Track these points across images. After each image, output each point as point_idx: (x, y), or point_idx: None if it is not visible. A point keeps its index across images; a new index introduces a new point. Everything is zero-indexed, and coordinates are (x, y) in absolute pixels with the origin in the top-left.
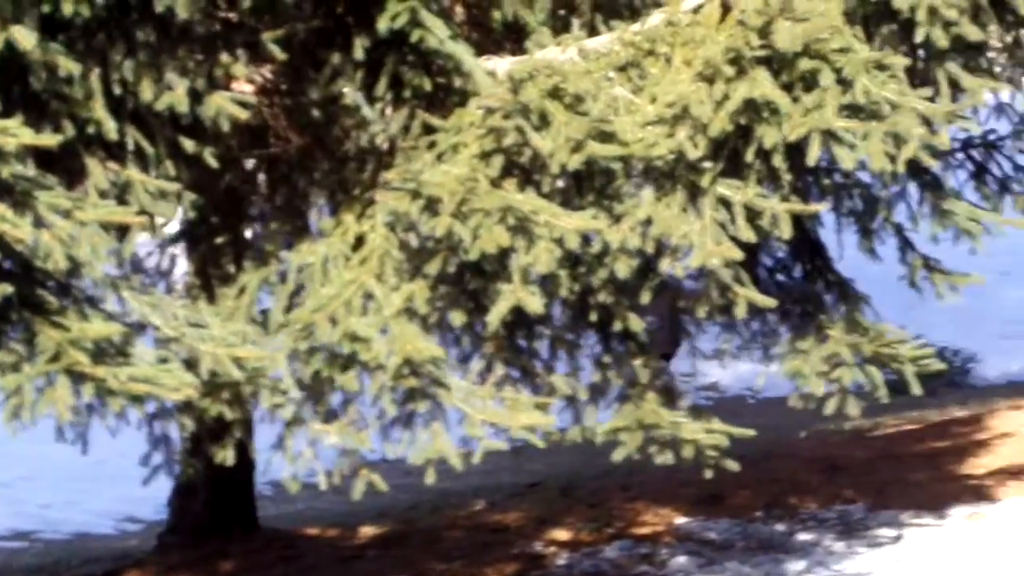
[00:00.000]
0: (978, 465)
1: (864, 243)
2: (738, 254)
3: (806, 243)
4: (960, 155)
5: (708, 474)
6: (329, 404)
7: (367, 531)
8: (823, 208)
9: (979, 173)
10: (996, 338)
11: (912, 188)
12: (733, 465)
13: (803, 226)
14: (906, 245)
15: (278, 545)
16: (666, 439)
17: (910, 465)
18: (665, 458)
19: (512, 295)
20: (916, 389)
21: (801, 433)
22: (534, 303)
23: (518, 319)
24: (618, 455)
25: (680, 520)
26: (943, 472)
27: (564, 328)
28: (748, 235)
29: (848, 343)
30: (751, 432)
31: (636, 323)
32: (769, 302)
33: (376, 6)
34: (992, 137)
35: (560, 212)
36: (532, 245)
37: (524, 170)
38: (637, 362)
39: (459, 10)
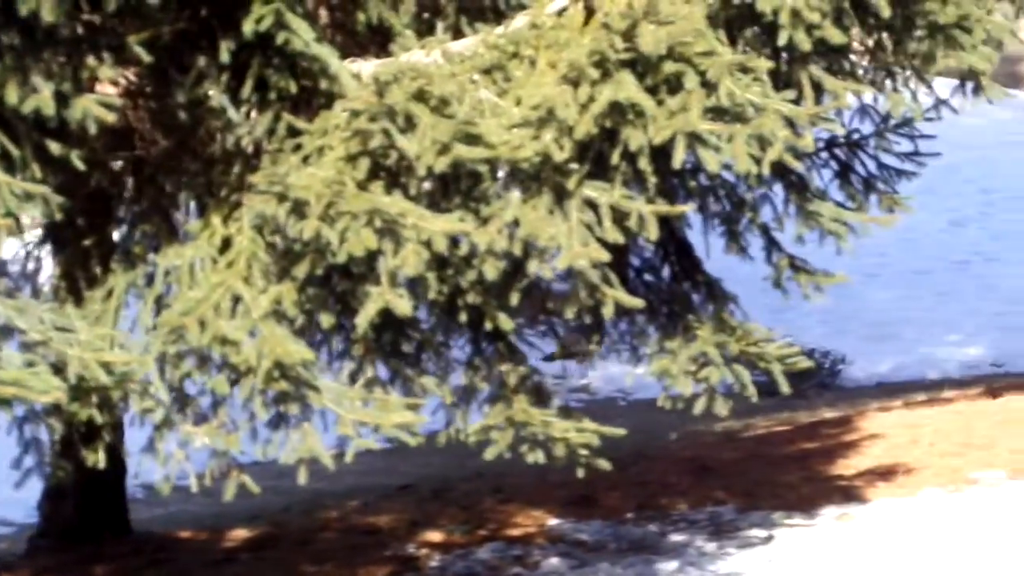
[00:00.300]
0: (848, 466)
1: (731, 244)
2: (605, 255)
3: (674, 244)
4: (825, 155)
5: (580, 474)
6: (199, 407)
7: (239, 534)
8: (689, 209)
9: (844, 172)
10: (865, 339)
11: (778, 189)
12: (605, 464)
13: (671, 227)
14: (772, 246)
15: (150, 548)
16: (537, 437)
17: (780, 466)
18: (536, 457)
19: (380, 297)
20: (784, 388)
21: (672, 434)
22: (402, 305)
23: (388, 321)
24: (489, 454)
25: (552, 522)
26: (813, 473)
27: (434, 329)
28: (615, 236)
29: (715, 342)
30: (621, 432)
31: (506, 323)
32: (637, 302)
33: (241, 9)
34: (856, 136)
35: (427, 215)
36: (400, 248)
37: (391, 173)
38: (506, 364)
39: (323, 13)
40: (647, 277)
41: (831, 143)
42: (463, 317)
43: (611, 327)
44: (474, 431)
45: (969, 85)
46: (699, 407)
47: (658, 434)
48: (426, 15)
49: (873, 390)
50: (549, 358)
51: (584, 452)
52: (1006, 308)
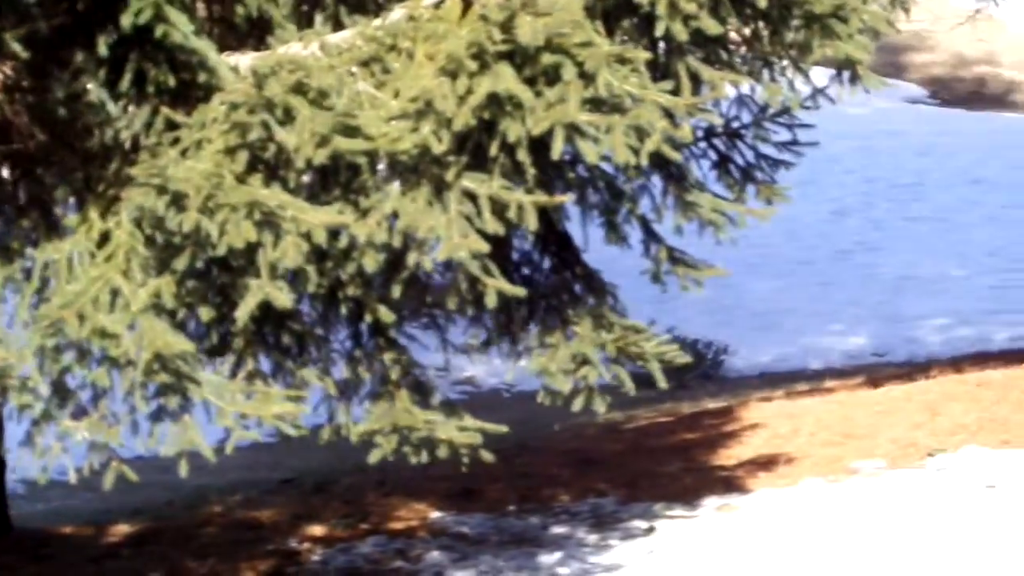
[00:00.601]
0: (729, 456)
1: (610, 235)
2: (484, 246)
3: (553, 235)
4: (704, 145)
5: (463, 467)
6: (79, 400)
7: (121, 529)
8: (568, 200)
9: (723, 163)
10: (748, 329)
11: (657, 180)
12: (488, 456)
13: (549, 219)
14: (650, 237)
15: (30, 544)
16: (421, 440)
17: (662, 457)
18: (420, 458)
19: (260, 290)
20: (662, 383)
21: (555, 426)
22: (282, 298)
23: (268, 313)
24: (373, 458)
25: (434, 515)
26: (695, 464)
27: (315, 322)
28: (495, 227)
29: (594, 341)
30: (504, 428)
31: (387, 316)
32: (518, 291)
33: (119, 3)
34: (735, 126)
35: (307, 207)
36: (279, 240)
37: (269, 165)
38: (388, 357)
39: (201, 6)
40: (525, 271)
41: (710, 133)
42: (344, 310)
43: (492, 320)
44: (358, 434)
45: (846, 74)
46: (578, 404)
47: (541, 426)
48: (305, 7)
49: (756, 380)
50: None
51: (467, 451)
52: (887, 297)
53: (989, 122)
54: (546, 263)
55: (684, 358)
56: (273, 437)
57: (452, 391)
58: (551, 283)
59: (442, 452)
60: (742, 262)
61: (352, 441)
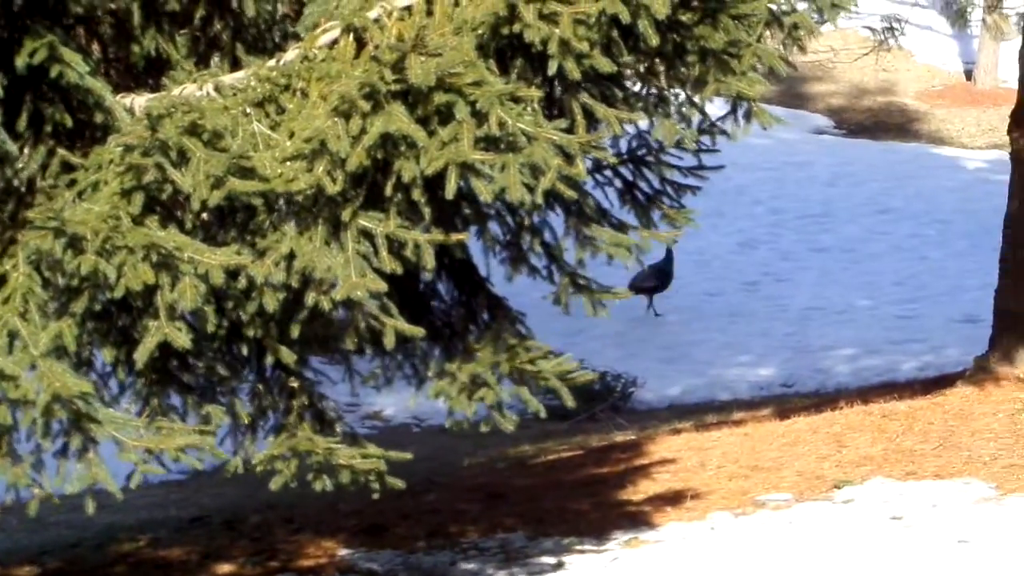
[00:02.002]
0: (637, 491)
1: (515, 267)
2: (383, 285)
3: (457, 266)
4: (609, 172)
5: (374, 497)
6: None
7: (27, 571)
8: (465, 238)
9: (628, 190)
10: (656, 362)
11: (559, 210)
12: (397, 483)
13: (452, 251)
14: (555, 263)
15: None
16: (322, 465)
17: (571, 492)
18: (323, 484)
19: (159, 331)
20: (569, 402)
21: (464, 461)
22: (181, 339)
23: (171, 352)
24: (275, 484)
25: (343, 552)
26: (603, 498)
27: (215, 361)
28: (391, 267)
29: (490, 362)
30: (408, 455)
31: (288, 356)
32: (417, 331)
33: (15, 42)
34: (640, 153)
35: (204, 248)
36: (177, 281)
37: (166, 207)
38: (291, 391)
39: (96, 47)
40: (432, 302)
41: (613, 162)
42: (246, 349)
43: (394, 353)
44: (259, 461)
45: (741, 110)
46: (484, 426)
47: (450, 461)
48: (201, 47)
49: (665, 412)
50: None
51: (372, 478)
52: (795, 328)
53: (893, 152)
54: (450, 294)
55: (587, 376)
56: (182, 474)
57: (361, 426)
58: (456, 313)
59: (344, 478)
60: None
61: (255, 470)
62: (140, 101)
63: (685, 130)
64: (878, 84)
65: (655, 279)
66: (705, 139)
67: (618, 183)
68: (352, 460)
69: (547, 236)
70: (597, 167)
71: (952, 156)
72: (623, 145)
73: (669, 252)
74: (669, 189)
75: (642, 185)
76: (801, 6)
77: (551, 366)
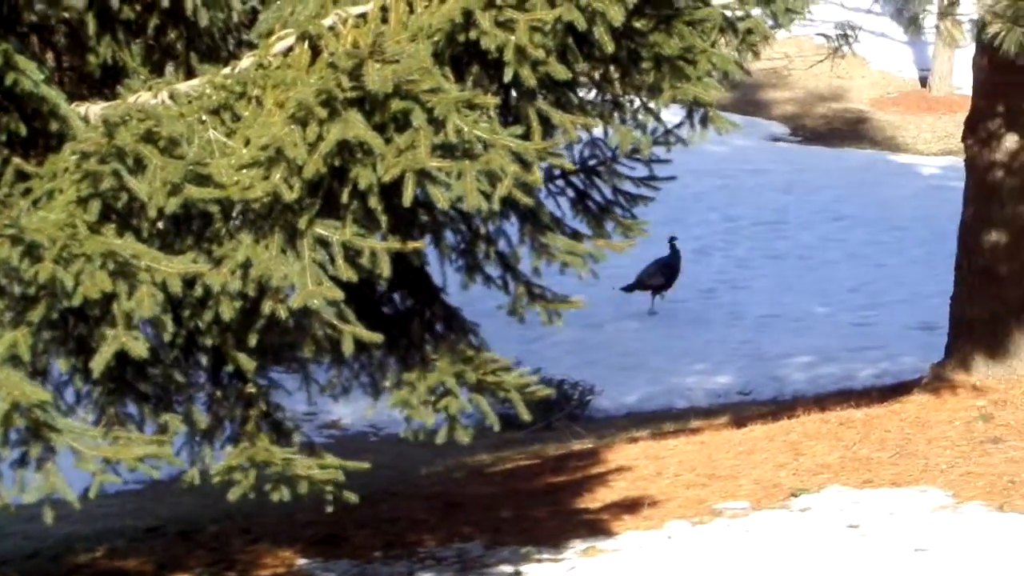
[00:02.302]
0: (594, 499)
1: (470, 276)
2: (339, 294)
3: (411, 275)
4: (561, 182)
5: (329, 510)
6: None
7: None
8: (422, 246)
9: (580, 199)
10: (614, 370)
11: (515, 220)
12: (352, 496)
13: (408, 260)
14: (510, 273)
15: None
16: (280, 476)
17: (528, 501)
18: (281, 495)
19: (116, 340)
20: (525, 416)
21: (422, 470)
22: (138, 347)
23: (128, 360)
24: (233, 495)
25: (300, 561)
26: (561, 507)
27: (171, 370)
28: (348, 275)
29: (454, 372)
30: (366, 465)
31: (247, 363)
32: (375, 337)
33: None
34: (592, 163)
35: (161, 256)
36: (135, 290)
37: (122, 215)
38: (248, 400)
39: (50, 56)
40: (386, 310)
41: (566, 171)
42: (203, 358)
43: (352, 361)
44: (217, 472)
45: (697, 116)
46: (441, 437)
47: (408, 470)
48: (156, 56)
49: (622, 420)
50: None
51: (329, 488)
52: (752, 336)
53: (848, 159)
54: (405, 301)
55: (546, 391)
56: (139, 484)
57: (318, 435)
58: (411, 322)
59: (302, 488)
60: (608, 302)
61: (212, 481)
62: (95, 109)
63: (640, 136)
64: (833, 91)
65: (662, 275)
66: (658, 150)
67: (571, 193)
68: (310, 471)
69: (502, 245)
70: (549, 177)
71: (907, 163)
72: (576, 154)
73: (674, 248)
74: (621, 199)
75: (594, 195)
76: (755, 12)
77: (512, 378)
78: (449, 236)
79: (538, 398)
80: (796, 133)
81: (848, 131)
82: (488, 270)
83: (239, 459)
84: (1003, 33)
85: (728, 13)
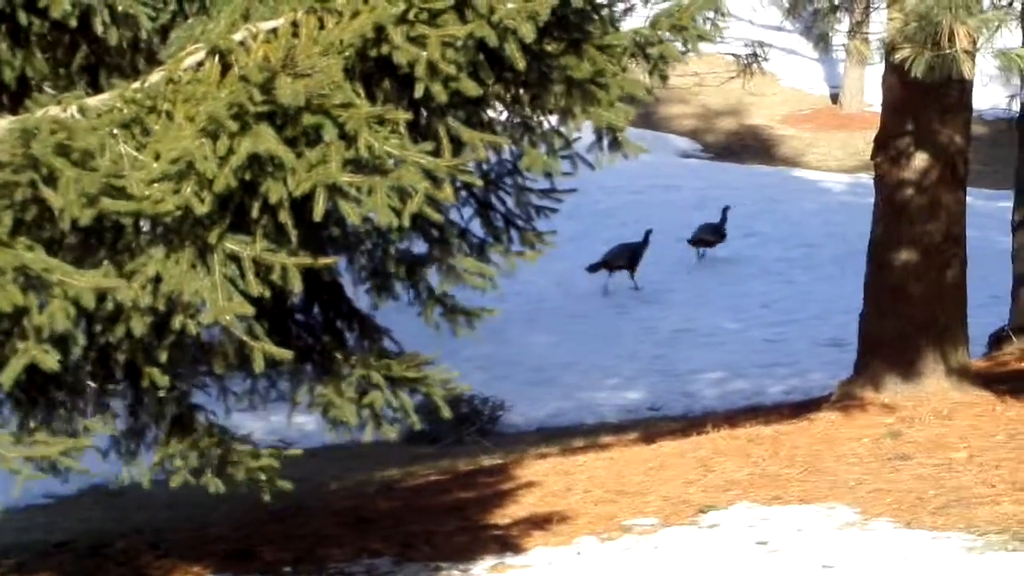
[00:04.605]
0: (503, 515)
1: (379, 295)
2: (250, 309)
3: (323, 284)
4: (463, 193)
5: (266, 498)
6: None
7: None
8: (333, 262)
9: (483, 210)
10: (525, 385)
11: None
12: (287, 485)
13: (319, 273)
14: (418, 284)
15: None
16: (220, 459)
17: (438, 516)
18: (217, 485)
19: (27, 354)
20: (446, 412)
21: (332, 485)
22: (49, 361)
23: (41, 372)
24: (174, 482)
25: None
26: (470, 523)
27: (84, 382)
28: (258, 290)
29: (378, 367)
30: (299, 451)
31: (160, 378)
32: (285, 354)
33: None
34: (493, 175)
35: (73, 271)
36: (47, 304)
37: (33, 227)
38: (165, 412)
39: None
40: (299, 317)
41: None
42: (118, 372)
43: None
44: (156, 461)
45: (606, 139)
46: (368, 434)
47: (319, 484)
48: (67, 72)
49: (532, 436)
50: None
51: (263, 476)
52: (663, 351)
53: (759, 175)
54: (317, 310)
55: (465, 386)
56: (48, 498)
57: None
58: (323, 330)
59: (240, 475)
60: (519, 317)
61: (145, 481)
62: (3, 124)
63: (550, 158)
64: (743, 107)
65: (625, 257)
66: (565, 163)
67: (473, 203)
68: (245, 458)
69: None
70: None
71: (818, 180)
72: (482, 165)
73: (647, 238)
74: (524, 210)
75: (497, 206)
76: (666, 37)
77: (435, 373)
78: (359, 257)
79: (459, 394)
80: (706, 149)
81: (758, 147)
82: (398, 287)
83: (177, 447)
84: (912, 57)
85: (638, 38)
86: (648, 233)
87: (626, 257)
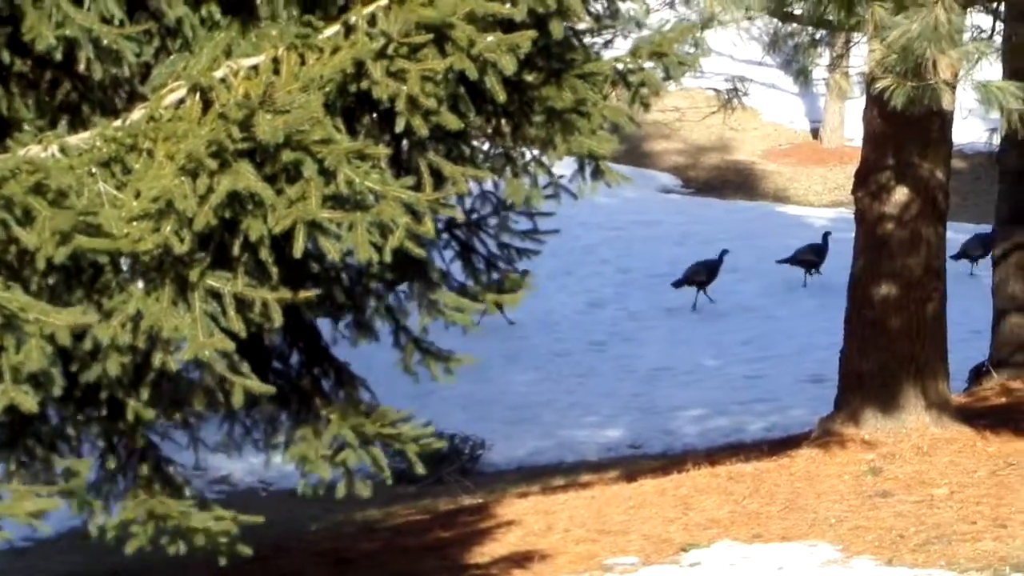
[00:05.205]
0: (483, 554)
1: (359, 332)
2: (230, 345)
3: (301, 330)
4: (445, 235)
5: (223, 562)
6: None
7: None
8: (313, 296)
9: (465, 253)
10: (505, 423)
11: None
12: (246, 549)
13: (298, 314)
14: (400, 330)
15: None
16: (177, 528)
17: (418, 556)
18: (177, 548)
19: (4, 395)
20: (420, 469)
21: (312, 526)
22: (28, 402)
23: (18, 415)
24: (131, 548)
25: None
26: (450, 562)
27: (64, 424)
28: (239, 326)
29: (351, 424)
30: (259, 519)
31: (145, 413)
32: (267, 389)
33: None
34: (475, 217)
35: (50, 309)
36: (23, 343)
37: (10, 267)
38: (139, 457)
39: None
40: (276, 364)
41: (451, 223)
42: (94, 412)
43: (244, 415)
44: (113, 526)
45: (588, 169)
46: (340, 492)
47: (298, 526)
48: (50, 109)
49: (513, 474)
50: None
51: (224, 540)
52: (643, 389)
53: (740, 210)
54: (295, 357)
55: (440, 443)
56: (29, 541)
57: (208, 491)
58: (301, 377)
59: (199, 541)
60: (499, 355)
61: (108, 537)
62: None
63: (532, 189)
64: (725, 143)
65: (704, 273)
66: (547, 204)
67: (455, 246)
68: (206, 523)
69: (392, 301)
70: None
71: (799, 215)
72: (466, 205)
73: (721, 257)
74: (506, 253)
75: (479, 248)
76: (648, 64)
77: (408, 429)
78: (338, 293)
79: (433, 450)
80: (687, 185)
81: (739, 183)
82: (377, 326)
83: (136, 512)
84: (892, 88)
85: (620, 66)
86: (723, 253)
87: (705, 272)
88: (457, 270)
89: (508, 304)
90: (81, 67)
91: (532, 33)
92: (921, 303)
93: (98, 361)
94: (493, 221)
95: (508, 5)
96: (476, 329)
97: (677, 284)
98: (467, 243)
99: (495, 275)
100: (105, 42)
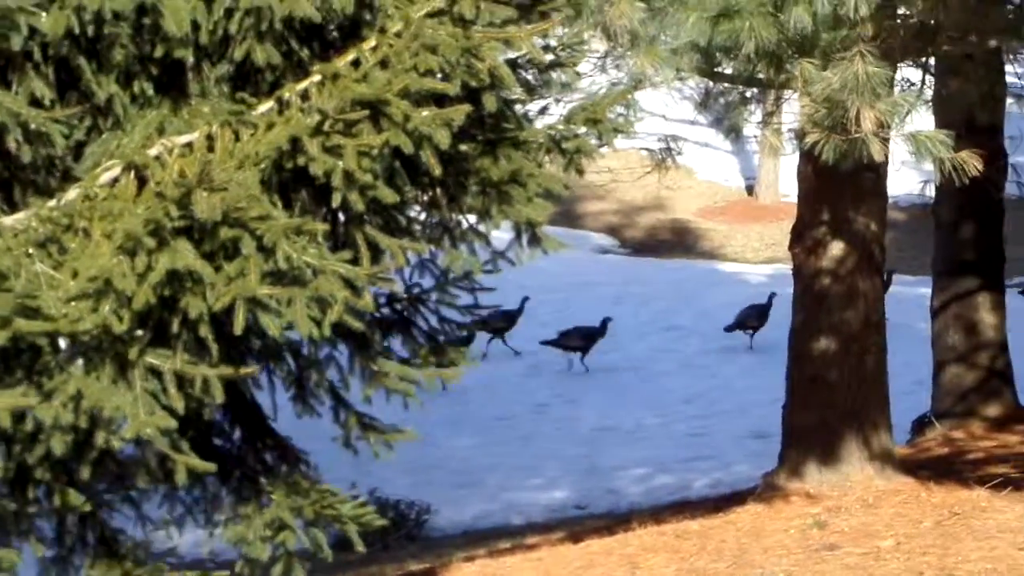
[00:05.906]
0: None
1: (300, 406)
2: (172, 423)
3: (243, 406)
4: (386, 310)
5: None
6: None
7: None
8: (255, 372)
9: (406, 327)
10: (449, 487)
11: (344, 348)
12: None
13: (239, 389)
14: (340, 404)
15: None
16: None
17: None
18: None
19: None
20: (359, 547)
21: None
22: None
23: None
24: None
25: None
26: None
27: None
28: (180, 403)
29: (290, 506)
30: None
31: (76, 499)
32: (209, 467)
33: None
34: (416, 291)
35: None
36: None
37: None
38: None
39: None
40: (217, 441)
41: (392, 298)
42: (33, 493)
43: (186, 493)
44: None
45: (526, 236)
46: (277, 572)
47: None
48: None
49: (459, 539)
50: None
51: None
52: (586, 449)
53: (677, 269)
54: (237, 433)
55: (380, 521)
56: None
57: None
58: (243, 453)
59: None
60: (441, 420)
61: None
62: None
63: (471, 258)
64: (660, 202)
65: (756, 318)
66: (485, 278)
67: (396, 320)
68: None
69: (333, 374)
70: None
71: (736, 272)
72: (406, 278)
73: (771, 297)
74: (447, 327)
75: (419, 323)
76: (581, 130)
77: (348, 508)
78: (279, 367)
79: (374, 528)
80: (624, 245)
81: (675, 241)
82: (319, 400)
83: None
84: (822, 142)
85: (554, 133)
86: (772, 296)
87: (757, 317)
88: (397, 345)
89: (449, 379)
90: (11, 147)
91: (466, 107)
92: (860, 356)
93: (40, 442)
94: (434, 296)
95: (442, 81)
96: (417, 401)
97: (729, 328)
98: (408, 317)
99: (435, 349)
100: (33, 126)
